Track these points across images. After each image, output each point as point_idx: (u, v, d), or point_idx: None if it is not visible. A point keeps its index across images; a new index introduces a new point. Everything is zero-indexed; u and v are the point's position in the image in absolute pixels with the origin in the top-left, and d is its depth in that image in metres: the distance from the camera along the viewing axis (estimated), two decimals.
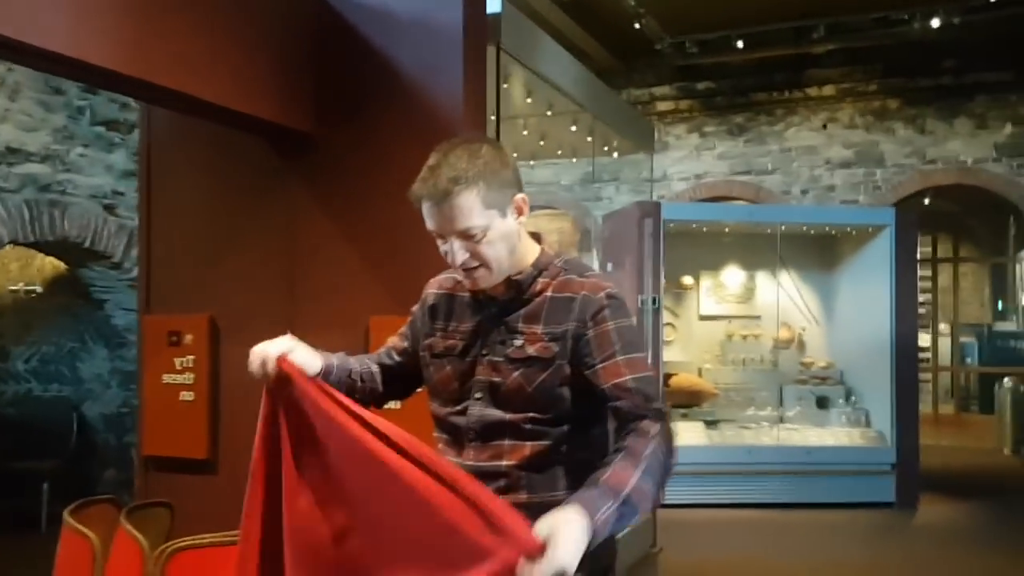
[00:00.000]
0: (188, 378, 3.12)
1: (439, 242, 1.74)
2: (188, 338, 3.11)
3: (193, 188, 3.20)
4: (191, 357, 3.12)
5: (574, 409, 1.75)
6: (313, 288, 3.05)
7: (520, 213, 1.76)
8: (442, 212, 1.67)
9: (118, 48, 2.32)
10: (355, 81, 2.97)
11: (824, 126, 11.75)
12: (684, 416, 8.11)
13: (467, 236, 1.68)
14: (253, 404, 3.12)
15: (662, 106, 12.30)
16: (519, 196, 1.76)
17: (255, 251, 3.11)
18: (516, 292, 1.78)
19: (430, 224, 1.71)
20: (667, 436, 1.69)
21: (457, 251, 1.70)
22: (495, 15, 2.93)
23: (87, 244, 6.61)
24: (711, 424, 8.11)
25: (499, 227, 1.71)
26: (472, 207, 1.66)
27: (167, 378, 3.15)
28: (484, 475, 1.68)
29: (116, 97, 6.59)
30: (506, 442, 1.75)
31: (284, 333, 3.09)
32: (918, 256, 15.75)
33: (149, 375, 3.21)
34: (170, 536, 2.75)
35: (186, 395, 3.12)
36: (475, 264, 1.71)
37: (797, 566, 5.93)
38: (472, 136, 1.85)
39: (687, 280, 8.93)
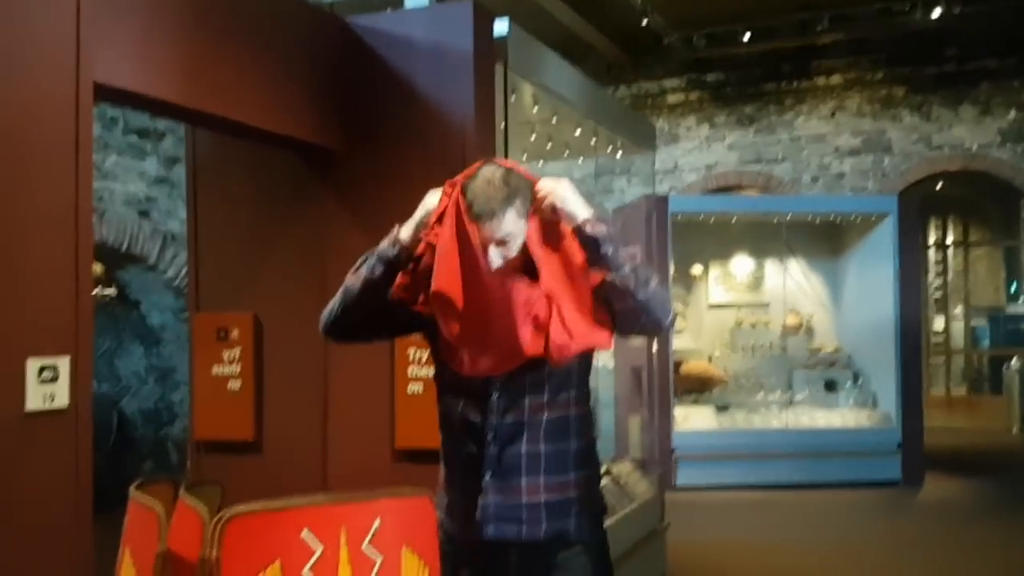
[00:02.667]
0: (235, 369, 3.49)
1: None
2: (235, 333, 3.49)
3: (235, 199, 3.56)
4: (238, 350, 3.49)
5: None
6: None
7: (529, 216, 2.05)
8: (487, 227, 1.97)
9: (172, 81, 2.66)
10: (376, 101, 3.30)
11: (832, 115, 11.95)
12: (695, 402, 8.42)
13: (502, 243, 1.99)
14: (293, 390, 3.48)
15: (672, 99, 12.56)
16: (528, 207, 2.05)
17: (291, 254, 3.46)
18: None
19: (477, 237, 1.98)
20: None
21: (494, 255, 1.98)
22: (502, 38, 3.26)
23: (124, 248, 6.99)
24: (721, 409, 8.41)
25: (523, 230, 2.02)
26: (510, 220, 1.99)
27: (216, 369, 3.52)
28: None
29: None
30: None
31: (318, 328, 3.44)
32: (931, 242, 16.04)
33: (200, 367, 3.58)
34: (222, 509, 3.07)
35: (234, 384, 3.49)
36: (503, 263, 2.00)
37: (804, 543, 6.22)
38: (490, 163, 2.11)
39: (696, 270, 9.22)
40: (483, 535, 2.08)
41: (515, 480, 2.06)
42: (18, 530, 2.06)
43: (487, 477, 2.08)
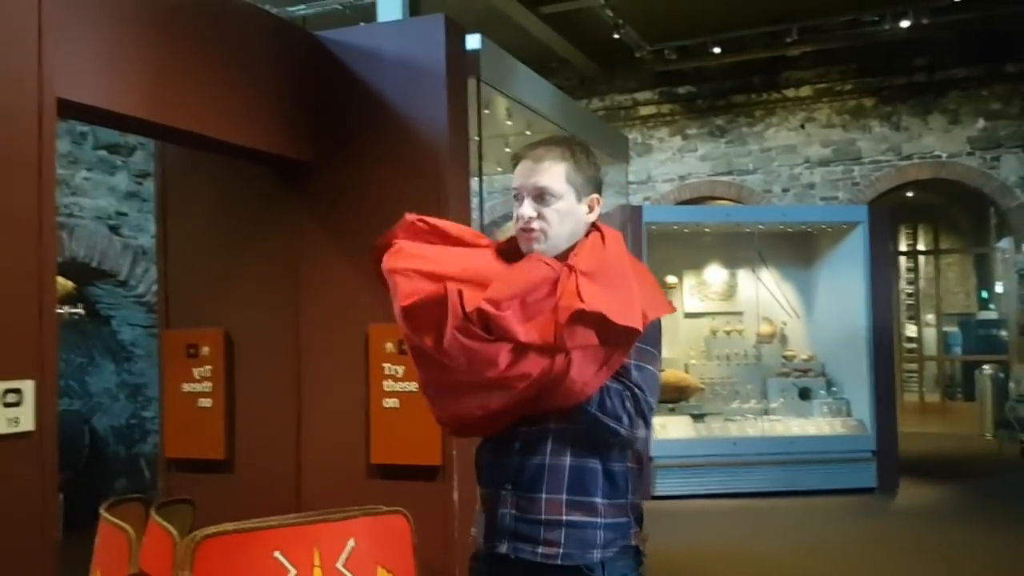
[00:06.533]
0: (206, 387, 3.43)
1: (516, 207, 2.00)
2: (205, 350, 3.43)
3: (205, 213, 3.52)
4: (208, 367, 3.44)
5: None
6: (317, 301, 3.35)
7: (591, 210, 2.03)
8: (532, 169, 1.96)
9: (138, 97, 2.63)
10: (348, 114, 3.28)
11: (802, 126, 12.08)
12: (671, 410, 8.43)
13: (540, 196, 1.95)
14: (265, 407, 3.44)
15: (644, 111, 12.64)
16: (595, 196, 2.04)
17: (263, 269, 3.42)
18: None
19: (517, 182, 1.98)
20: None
21: (526, 206, 1.96)
22: (474, 52, 3.26)
23: (94, 263, 6.88)
24: (697, 418, 8.42)
25: (569, 205, 1.98)
26: (556, 174, 1.97)
27: (186, 387, 3.46)
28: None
29: None
30: None
31: (292, 343, 3.41)
32: (901, 249, 16.21)
33: (169, 385, 3.53)
34: (193, 529, 3.03)
35: (204, 402, 3.44)
36: (535, 224, 1.95)
37: (780, 549, 6.24)
38: (572, 138, 2.15)
39: (671, 279, 9.24)
40: (498, 550, 1.93)
41: (535, 493, 1.90)
42: None
43: (507, 488, 1.93)
